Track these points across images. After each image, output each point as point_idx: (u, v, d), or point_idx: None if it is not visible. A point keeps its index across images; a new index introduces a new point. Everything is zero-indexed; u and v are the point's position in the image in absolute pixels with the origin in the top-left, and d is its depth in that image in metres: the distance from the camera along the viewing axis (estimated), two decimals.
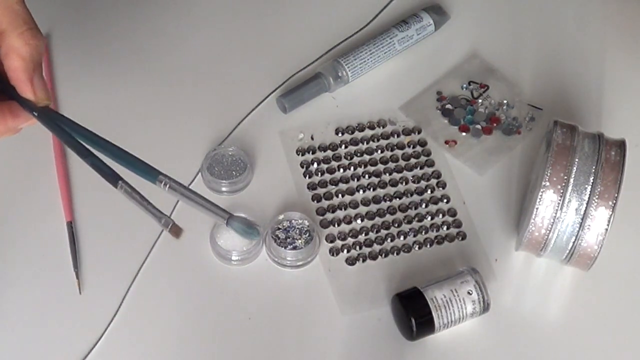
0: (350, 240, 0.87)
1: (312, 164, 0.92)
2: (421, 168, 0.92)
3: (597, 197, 0.79)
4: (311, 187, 0.90)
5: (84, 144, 0.70)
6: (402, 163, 0.92)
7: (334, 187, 0.90)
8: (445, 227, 0.89)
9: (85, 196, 0.88)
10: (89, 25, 1.00)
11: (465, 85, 0.98)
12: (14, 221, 0.86)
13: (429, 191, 0.91)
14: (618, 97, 0.98)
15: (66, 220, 0.86)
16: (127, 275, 0.83)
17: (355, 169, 0.92)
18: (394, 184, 0.91)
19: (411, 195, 0.90)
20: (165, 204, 0.87)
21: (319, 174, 0.91)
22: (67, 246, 0.84)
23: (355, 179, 0.91)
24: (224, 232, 0.85)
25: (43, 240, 0.85)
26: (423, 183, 0.91)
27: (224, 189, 0.89)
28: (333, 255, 0.86)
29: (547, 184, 0.80)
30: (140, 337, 0.81)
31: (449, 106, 0.96)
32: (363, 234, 0.88)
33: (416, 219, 0.89)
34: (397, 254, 0.87)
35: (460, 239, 0.88)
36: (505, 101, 0.97)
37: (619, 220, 0.79)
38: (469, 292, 0.81)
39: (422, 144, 0.94)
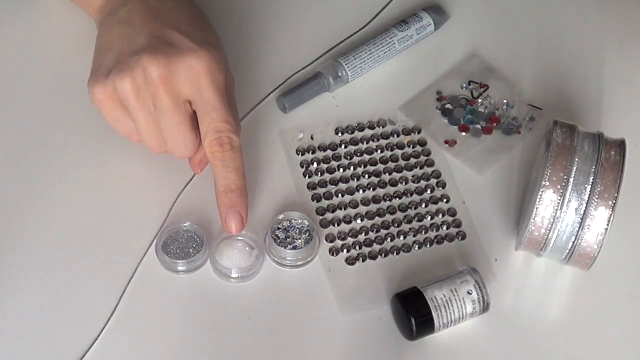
0: (350, 240, 0.87)
1: (312, 164, 0.92)
2: (421, 168, 0.92)
3: (597, 197, 0.79)
4: (311, 187, 0.90)
5: None
6: (402, 163, 0.92)
7: (334, 187, 0.90)
8: (445, 227, 0.88)
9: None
10: None
11: (465, 85, 0.98)
12: (14, 220, 0.86)
13: (429, 191, 0.91)
14: (618, 97, 0.98)
15: None
16: (124, 276, 0.83)
17: (355, 169, 0.92)
18: (394, 184, 0.91)
19: (411, 195, 0.90)
20: (162, 209, 0.88)
21: (319, 174, 0.91)
22: (66, 246, 0.84)
23: (355, 179, 0.91)
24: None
25: (42, 239, 0.85)
26: (423, 183, 0.91)
27: (180, 268, 0.83)
28: (333, 255, 0.86)
29: (547, 184, 0.80)
30: (138, 338, 0.81)
31: (449, 106, 0.96)
32: (363, 234, 0.87)
33: (416, 219, 0.89)
34: (397, 254, 0.87)
35: (460, 239, 0.88)
36: (505, 101, 0.97)
37: (619, 220, 0.80)
38: (469, 292, 0.81)
39: (422, 144, 0.94)
